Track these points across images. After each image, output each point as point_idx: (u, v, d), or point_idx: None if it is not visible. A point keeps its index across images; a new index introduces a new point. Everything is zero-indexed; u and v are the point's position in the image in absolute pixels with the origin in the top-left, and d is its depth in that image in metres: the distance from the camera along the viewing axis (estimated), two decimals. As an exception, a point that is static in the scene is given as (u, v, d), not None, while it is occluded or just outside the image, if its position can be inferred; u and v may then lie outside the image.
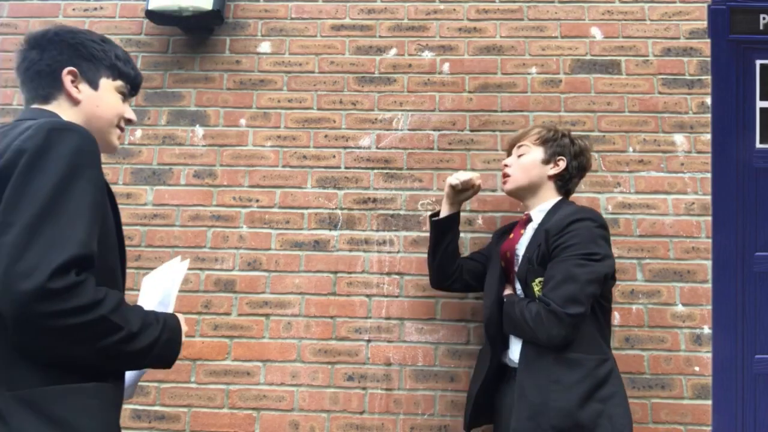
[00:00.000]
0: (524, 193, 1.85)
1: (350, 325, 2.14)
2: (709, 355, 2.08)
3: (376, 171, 2.29)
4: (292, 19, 2.44)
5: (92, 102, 1.22)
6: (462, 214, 2.22)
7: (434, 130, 2.31)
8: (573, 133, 1.90)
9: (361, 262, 2.20)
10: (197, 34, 2.42)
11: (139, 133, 2.35)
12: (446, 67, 2.37)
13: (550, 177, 1.81)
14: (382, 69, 2.38)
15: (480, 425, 1.87)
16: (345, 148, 2.31)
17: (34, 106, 1.21)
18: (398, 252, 2.20)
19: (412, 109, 2.33)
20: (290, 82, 2.38)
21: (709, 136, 2.25)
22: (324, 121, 2.33)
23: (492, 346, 1.79)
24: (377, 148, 2.31)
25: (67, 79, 1.20)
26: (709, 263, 2.14)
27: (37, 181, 0.94)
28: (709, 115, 2.26)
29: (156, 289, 1.33)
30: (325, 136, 2.31)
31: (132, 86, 1.31)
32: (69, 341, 0.95)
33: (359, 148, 2.30)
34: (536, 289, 1.66)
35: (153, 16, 2.30)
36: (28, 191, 0.93)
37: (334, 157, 2.30)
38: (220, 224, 2.24)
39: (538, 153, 1.82)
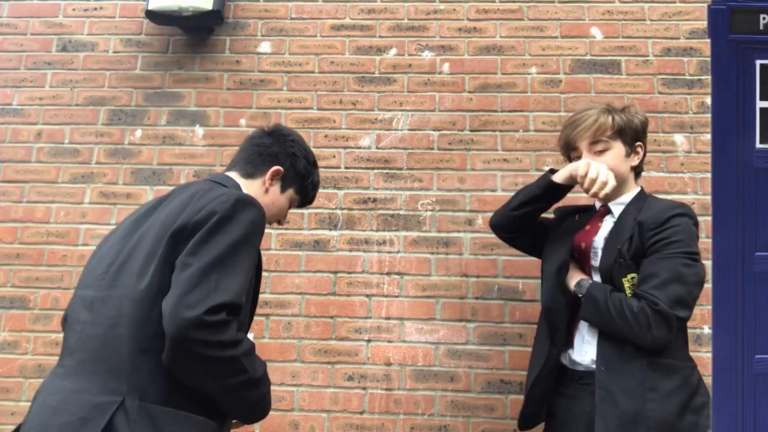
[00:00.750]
0: (613, 192, 1.63)
1: (350, 325, 2.14)
2: (709, 355, 2.08)
3: (376, 171, 2.29)
4: (292, 19, 2.44)
5: (273, 198, 1.49)
6: (462, 214, 2.23)
7: (434, 130, 2.31)
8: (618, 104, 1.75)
9: (361, 262, 2.20)
10: (197, 34, 2.42)
11: (139, 133, 2.35)
12: (446, 67, 2.37)
13: (632, 168, 1.68)
14: (382, 69, 2.38)
15: (535, 425, 1.69)
16: (345, 148, 2.31)
17: (233, 172, 1.48)
18: (398, 252, 2.20)
19: (412, 109, 2.33)
20: (290, 82, 2.38)
21: (709, 136, 2.25)
22: (324, 121, 2.33)
23: (551, 338, 1.61)
24: (377, 148, 2.31)
25: (270, 172, 1.47)
26: (709, 263, 2.14)
27: (219, 237, 1.17)
28: (709, 115, 2.26)
29: None
30: (325, 136, 2.31)
31: (302, 204, 1.60)
32: (206, 370, 1.12)
33: (359, 148, 2.30)
34: (627, 285, 1.52)
35: (153, 16, 2.30)
36: (210, 244, 1.16)
37: (334, 157, 2.30)
38: (220, 224, 2.24)
39: (619, 147, 1.64)
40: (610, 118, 1.64)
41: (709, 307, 2.11)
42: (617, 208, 1.66)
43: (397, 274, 2.18)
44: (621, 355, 1.47)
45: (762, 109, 2.26)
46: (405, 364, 2.11)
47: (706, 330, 2.09)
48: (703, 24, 2.34)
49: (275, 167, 1.47)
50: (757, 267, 2.16)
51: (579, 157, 1.68)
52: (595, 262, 1.61)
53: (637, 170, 1.70)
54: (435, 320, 2.15)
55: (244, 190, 1.41)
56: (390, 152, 2.30)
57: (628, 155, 1.66)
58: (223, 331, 1.10)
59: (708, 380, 2.05)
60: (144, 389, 1.12)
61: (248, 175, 1.47)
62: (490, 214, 2.21)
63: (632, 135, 1.66)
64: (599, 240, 1.62)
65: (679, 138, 2.26)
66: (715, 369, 2.07)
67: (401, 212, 2.25)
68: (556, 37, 2.38)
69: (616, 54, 2.35)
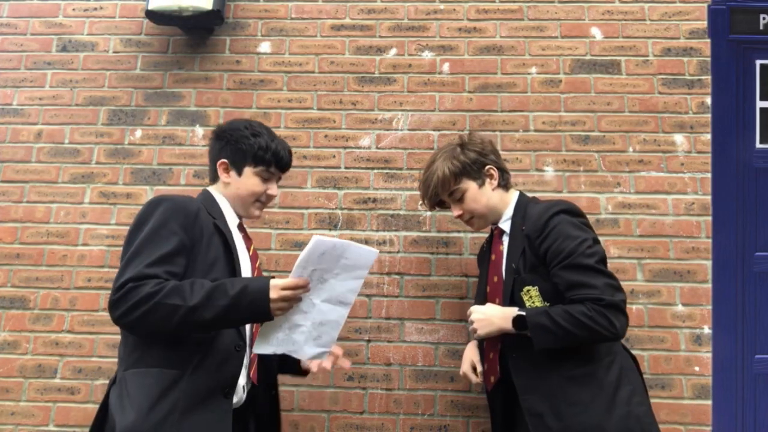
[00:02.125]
0: (492, 219, 1.79)
1: (350, 325, 2.14)
2: (709, 355, 2.08)
3: (376, 171, 2.29)
4: (292, 19, 2.45)
5: (235, 185, 1.64)
6: (462, 214, 2.24)
7: (434, 130, 2.31)
8: (475, 134, 1.88)
9: (361, 262, 2.20)
10: (197, 34, 2.42)
11: (139, 133, 2.35)
12: (446, 67, 2.37)
13: (495, 188, 1.77)
14: (382, 69, 2.38)
15: None
16: (345, 148, 2.31)
17: (209, 185, 1.71)
18: (398, 252, 2.20)
19: (412, 109, 2.33)
20: (290, 82, 2.38)
21: (709, 136, 2.25)
22: (324, 121, 2.33)
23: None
24: (377, 148, 2.31)
25: (219, 169, 1.66)
26: (709, 263, 2.14)
27: (136, 236, 1.45)
28: (709, 115, 2.27)
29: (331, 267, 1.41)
30: (325, 136, 2.31)
31: (276, 167, 1.67)
32: (149, 324, 1.35)
33: (359, 148, 2.30)
34: (525, 298, 1.59)
35: (153, 16, 2.30)
36: (130, 243, 1.45)
37: (334, 157, 2.30)
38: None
39: (470, 186, 1.75)
40: (446, 170, 1.74)
41: (709, 307, 2.11)
42: (506, 224, 1.75)
43: (397, 274, 2.18)
44: (538, 379, 1.55)
45: (762, 109, 2.26)
46: (405, 364, 2.11)
47: (706, 330, 2.09)
48: (703, 24, 2.34)
49: (219, 161, 1.65)
50: (757, 267, 2.16)
51: (448, 207, 1.84)
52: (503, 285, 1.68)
53: (501, 184, 1.79)
54: (435, 320, 2.15)
55: (215, 194, 1.65)
56: (390, 152, 2.30)
57: (482, 185, 1.76)
58: (129, 297, 1.34)
59: (708, 380, 2.06)
60: (125, 361, 1.43)
61: (212, 180, 1.70)
62: (490, 214, 2.22)
63: (474, 168, 1.75)
64: (504, 265, 1.70)
65: (679, 138, 2.26)
66: (715, 369, 2.07)
67: (401, 212, 2.25)
68: (556, 37, 2.38)
69: (616, 54, 2.35)
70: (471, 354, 1.81)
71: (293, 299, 1.38)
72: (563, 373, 1.52)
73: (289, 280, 1.37)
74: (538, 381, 1.55)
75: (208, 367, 1.43)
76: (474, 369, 1.77)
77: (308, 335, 1.44)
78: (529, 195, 1.84)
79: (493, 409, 1.75)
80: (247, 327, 1.54)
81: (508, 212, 1.75)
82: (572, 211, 1.63)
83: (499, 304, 1.66)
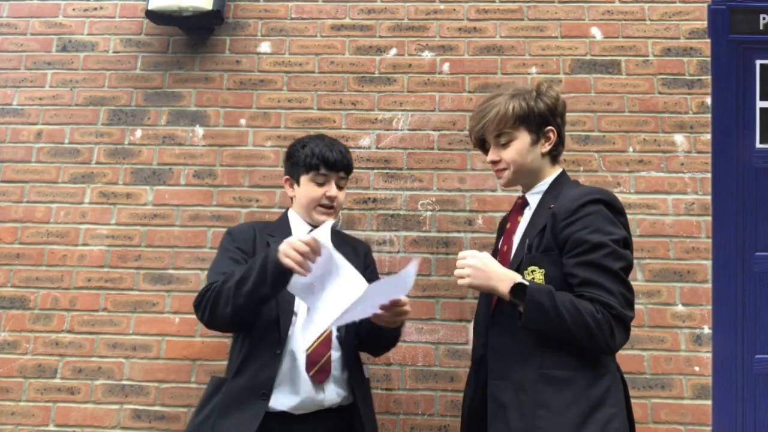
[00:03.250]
0: (523, 180, 1.62)
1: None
2: (709, 355, 2.08)
3: (376, 171, 2.29)
4: (292, 19, 2.44)
5: (298, 196, 1.77)
6: (462, 214, 2.23)
7: (434, 130, 2.31)
8: (542, 84, 1.66)
9: (361, 262, 2.20)
10: (197, 34, 2.42)
11: (139, 133, 2.35)
12: (446, 67, 2.37)
13: (544, 154, 1.59)
14: (382, 69, 2.38)
15: None
16: (345, 148, 2.31)
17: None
18: (398, 252, 2.20)
19: (412, 109, 2.33)
20: (290, 82, 2.38)
21: (709, 136, 2.25)
22: (324, 121, 2.33)
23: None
24: (377, 148, 2.31)
25: (286, 186, 1.82)
26: (709, 263, 2.14)
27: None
28: (709, 115, 2.26)
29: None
30: (325, 136, 2.31)
31: (326, 168, 1.73)
32: (221, 317, 1.55)
33: (359, 148, 2.30)
34: (528, 279, 1.43)
35: (153, 16, 2.30)
36: None
37: (334, 157, 2.30)
38: (220, 224, 2.24)
39: (524, 137, 1.57)
40: (510, 107, 1.55)
41: (709, 307, 2.11)
42: (534, 198, 1.59)
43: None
44: (511, 366, 1.41)
45: (762, 109, 2.26)
46: (405, 364, 2.11)
47: (706, 330, 2.09)
48: (703, 24, 2.34)
49: (284, 179, 1.82)
50: (757, 267, 2.16)
51: (488, 150, 1.64)
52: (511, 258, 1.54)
53: (552, 154, 1.61)
54: (435, 320, 2.15)
55: (290, 213, 1.83)
56: (390, 152, 2.30)
57: (534, 143, 1.57)
58: (201, 299, 1.58)
59: (708, 380, 2.05)
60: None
61: (290, 199, 1.84)
62: (490, 214, 2.22)
63: (538, 121, 1.57)
64: (518, 236, 1.56)
65: (679, 138, 2.26)
66: (715, 369, 2.07)
67: (401, 212, 2.25)
68: (556, 37, 2.38)
69: (616, 54, 2.35)
70: None
71: (302, 253, 1.41)
72: (544, 369, 1.37)
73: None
74: (514, 368, 1.41)
75: (249, 371, 1.57)
76: None
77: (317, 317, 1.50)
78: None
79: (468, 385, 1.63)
80: (287, 335, 1.61)
81: (542, 186, 1.59)
82: (612, 205, 1.46)
83: None
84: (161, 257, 2.22)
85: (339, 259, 1.44)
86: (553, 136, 1.59)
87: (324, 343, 1.62)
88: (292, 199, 1.82)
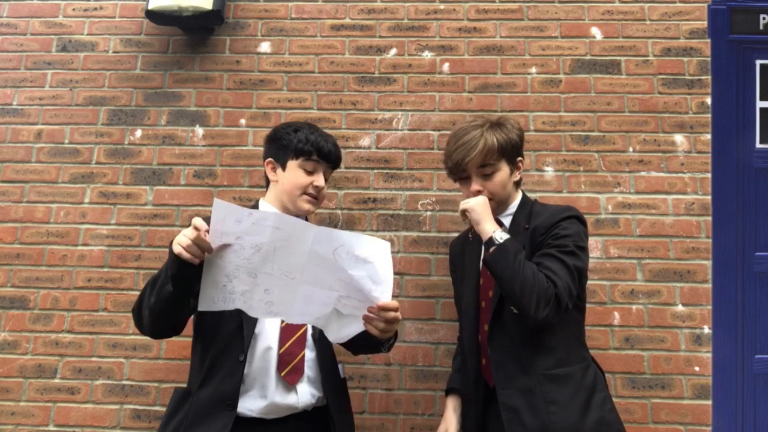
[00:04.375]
0: (498, 209, 1.72)
1: (350, 325, 2.14)
2: (709, 355, 2.08)
3: (376, 171, 2.29)
4: (292, 19, 2.45)
5: (281, 181, 1.68)
6: (462, 214, 2.23)
7: (434, 130, 2.31)
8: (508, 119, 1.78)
9: (361, 262, 2.20)
10: (197, 34, 2.42)
11: (139, 133, 2.35)
12: (446, 67, 2.37)
13: (515, 182, 1.76)
14: (382, 69, 2.38)
15: None
16: (345, 148, 2.30)
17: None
18: (398, 252, 2.20)
19: (412, 109, 2.33)
20: (290, 82, 2.38)
21: (709, 136, 2.25)
22: (324, 121, 2.33)
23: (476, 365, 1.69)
24: (377, 148, 2.31)
25: (267, 168, 1.72)
26: (709, 263, 2.14)
27: None
28: (709, 115, 2.27)
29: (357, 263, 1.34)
30: (325, 136, 2.31)
31: (318, 156, 1.67)
32: (144, 319, 1.48)
33: (359, 148, 2.30)
34: None
35: (153, 16, 2.30)
36: None
37: (334, 157, 2.30)
38: (220, 224, 2.24)
39: (504, 167, 1.69)
40: (494, 139, 1.66)
41: (709, 307, 2.11)
42: (506, 219, 1.73)
43: (398, 274, 2.18)
44: (514, 375, 1.55)
45: (762, 109, 2.26)
46: (405, 364, 2.11)
47: (706, 330, 2.09)
48: (703, 24, 2.34)
49: (266, 161, 1.72)
50: (757, 267, 2.16)
51: (465, 179, 1.72)
52: None
53: (519, 181, 1.77)
54: (435, 320, 2.15)
55: (261, 203, 1.72)
56: (390, 152, 2.30)
57: (511, 173, 1.72)
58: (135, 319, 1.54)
59: (708, 380, 2.06)
60: None
61: (267, 183, 1.74)
62: (490, 214, 2.22)
63: (512, 152, 1.70)
64: None
65: (679, 138, 2.26)
66: (715, 369, 2.07)
67: (401, 212, 2.25)
68: (556, 37, 2.38)
69: (616, 54, 2.35)
70: (449, 418, 1.76)
71: (196, 240, 1.30)
72: (543, 371, 1.53)
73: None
74: (518, 376, 1.55)
75: (214, 381, 1.49)
76: None
77: (258, 299, 1.37)
78: (530, 195, 1.84)
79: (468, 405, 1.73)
80: (252, 338, 1.52)
81: (511, 208, 1.73)
82: (584, 223, 1.66)
83: (492, 296, 1.64)
84: (161, 257, 2.21)
85: (283, 224, 1.31)
86: (521, 166, 1.75)
87: (298, 341, 1.55)
88: (268, 185, 1.73)
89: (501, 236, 1.54)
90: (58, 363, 2.13)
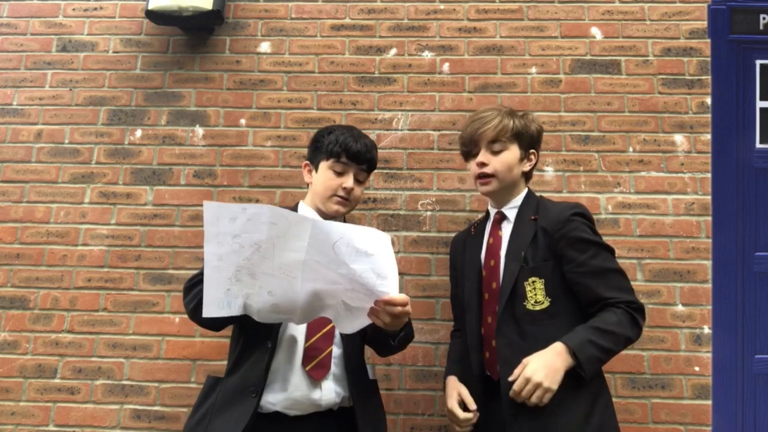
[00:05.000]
0: (501, 194, 1.73)
1: (350, 325, 2.14)
2: (709, 355, 2.08)
3: (376, 171, 2.28)
4: (292, 19, 2.45)
5: (314, 182, 1.71)
6: (462, 214, 2.23)
7: (434, 130, 2.31)
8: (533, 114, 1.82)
9: (361, 262, 2.19)
10: (197, 34, 2.42)
11: (139, 133, 2.35)
12: (446, 67, 2.37)
13: (524, 173, 1.75)
14: (382, 69, 2.38)
15: None
16: (345, 148, 2.30)
17: None
18: (398, 252, 2.20)
19: (412, 109, 2.33)
20: (290, 82, 2.38)
21: (709, 136, 2.25)
22: (324, 121, 2.33)
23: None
24: (377, 148, 2.30)
25: (304, 171, 1.76)
26: (709, 263, 2.14)
27: None
28: (709, 115, 2.27)
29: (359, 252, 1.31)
30: (325, 136, 2.31)
31: (347, 157, 1.66)
32: (188, 310, 1.57)
33: (359, 148, 2.30)
34: (528, 289, 1.58)
35: (153, 16, 2.30)
36: None
37: (334, 157, 2.30)
38: (220, 224, 2.24)
39: (515, 150, 1.70)
40: (511, 122, 1.70)
41: (709, 307, 2.11)
42: (511, 212, 1.72)
43: (398, 274, 2.18)
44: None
45: (762, 109, 2.26)
46: (405, 364, 2.11)
47: (706, 330, 2.09)
48: (703, 24, 2.34)
49: (303, 164, 1.76)
50: (757, 267, 2.16)
51: (476, 155, 1.71)
52: (502, 271, 1.64)
53: (527, 176, 1.78)
54: (435, 320, 2.15)
55: (300, 204, 1.75)
56: (390, 152, 2.30)
57: (521, 160, 1.72)
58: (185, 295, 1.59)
59: (708, 380, 2.06)
60: None
61: (309, 185, 1.76)
62: (490, 214, 2.22)
63: (528, 141, 1.72)
64: (503, 251, 1.67)
65: (679, 138, 2.26)
66: (715, 369, 2.07)
67: (401, 212, 2.25)
68: (556, 37, 2.38)
69: (616, 54, 2.35)
70: (456, 386, 1.67)
71: None
72: None
73: None
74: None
75: (242, 368, 1.51)
76: (461, 404, 1.63)
77: (262, 301, 1.35)
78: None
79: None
80: (281, 327, 1.53)
81: (517, 201, 1.73)
82: (589, 218, 1.67)
83: (495, 288, 1.64)
84: (161, 257, 2.22)
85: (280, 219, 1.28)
86: (534, 159, 1.76)
87: (326, 336, 1.53)
88: (308, 186, 1.76)
89: (579, 356, 1.47)
90: (58, 363, 2.13)
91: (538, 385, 1.44)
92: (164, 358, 2.13)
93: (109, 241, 2.24)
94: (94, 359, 2.14)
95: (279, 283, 1.33)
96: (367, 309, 1.35)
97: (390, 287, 1.31)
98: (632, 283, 2.09)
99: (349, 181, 1.65)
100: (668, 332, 2.09)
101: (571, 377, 1.48)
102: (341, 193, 1.64)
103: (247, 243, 1.31)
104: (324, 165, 1.67)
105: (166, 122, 2.36)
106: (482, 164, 1.69)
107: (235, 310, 1.36)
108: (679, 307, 2.11)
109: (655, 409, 2.04)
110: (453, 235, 2.19)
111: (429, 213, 2.23)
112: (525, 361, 1.49)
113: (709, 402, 2.04)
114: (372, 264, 1.30)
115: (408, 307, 1.36)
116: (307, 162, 1.74)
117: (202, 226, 2.24)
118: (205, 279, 1.34)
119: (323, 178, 1.67)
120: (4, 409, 2.10)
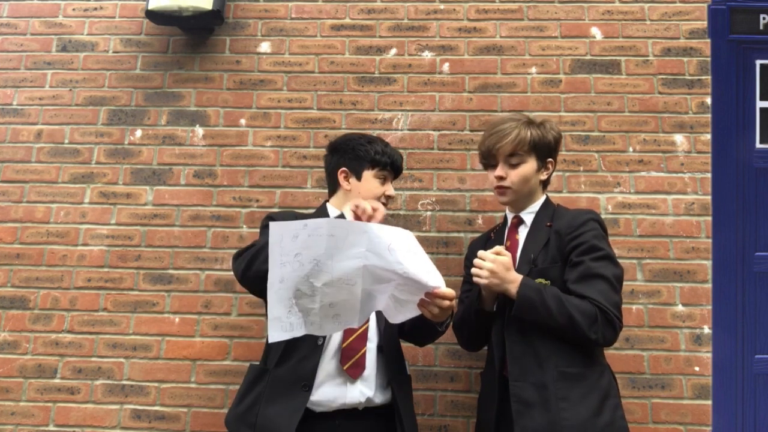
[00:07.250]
0: (518, 202, 1.78)
1: (350, 325, 2.14)
2: (709, 355, 2.08)
3: (376, 171, 2.28)
4: (292, 19, 2.45)
5: (356, 189, 1.77)
6: (462, 214, 2.23)
7: (434, 130, 2.31)
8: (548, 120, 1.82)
9: (361, 262, 2.20)
10: (197, 34, 2.42)
11: (139, 133, 2.35)
12: (446, 67, 2.37)
13: (541, 181, 1.80)
14: (382, 69, 2.38)
15: None
16: (345, 148, 2.31)
17: (328, 199, 1.87)
18: (398, 252, 2.20)
19: (412, 109, 2.33)
20: (290, 82, 2.38)
21: (709, 136, 2.25)
22: (324, 121, 2.33)
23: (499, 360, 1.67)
24: (377, 148, 2.30)
25: (340, 177, 1.80)
26: (709, 263, 2.14)
27: None
28: (709, 115, 2.27)
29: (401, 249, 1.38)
30: (325, 136, 2.31)
31: (392, 168, 1.81)
32: (248, 276, 1.58)
33: (359, 148, 2.30)
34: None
35: (153, 16, 2.30)
36: None
37: (334, 157, 2.30)
38: (220, 224, 2.24)
39: (532, 162, 1.74)
40: (528, 133, 1.73)
41: (709, 307, 2.11)
42: (528, 216, 1.77)
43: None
44: (530, 369, 1.56)
45: (762, 109, 2.26)
46: (405, 364, 2.11)
47: (706, 330, 2.09)
48: (703, 24, 2.34)
49: (340, 170, 1.79)
50: (757, 267, 2.16)
51: (495, 166, 1.76)
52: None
53: (545, 183, 1.82)
54: (435, 320, 2.14)
55: (329, 207, 1.81)
56: (390, 152, 2.30)
57: (539, 170, 1.76)
58: (242, 251, 1.61)
59: (708, 380, 2.06)
60: None
61: (331, 193, 1.86)
62: (490, 214, 2.22)
63: (545, 151, 1.76)
64: (518, 253, 1.72)
65: (679, 138, 2.26)
66: (715, 369, 2.07)
67: (401, 212, 2.25)
68: (556, 37, 2.38)
69: (616, 54, 2.35)
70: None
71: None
72: (558, 368, 1.54)
73: None
74: (533, 371, 1.56)
75: (291, 361, 1.57)
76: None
77: (324, 315, 1.40)
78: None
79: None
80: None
81: (534, 207, 1.77)
82: (603, 224, 1.70)
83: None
84: (161, 257, 2.22)
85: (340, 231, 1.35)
86: (551, 168, 1.80)
87: (360, 337, 1.62)
88: (344, 192, 1.78)
89: (519, 290, 1.55)
90: (58, 363, 2.13)
91: (481, 268, 1.59)
92: (164, 358, 2.13)
93: (109, 241, 2.24)
94: (94, 359, 2.14)
95: (339, 293, 1.38)
96: (416, 301, 1.45)
97: (440, 281, 1.42)
98: (632, 283, 2.12)
99: (391, 188, 1.81)
100: (668, 332, 2.09)
101: (578, 376, 1.52)
102: (383, 200, 1.77)
103: (307, 260, 1.36)
104: (369, 173, 1.77)
105: (166, 122, 2.36)
106: (500, 177, 1.75)
107: (297, 331, 1.41)
108: (679, 307, 2.11)
109: (655, 409, 2.04)
110: (453, 235, 2.20)
111: (429, 213, 2.23)
112: (497, 257, 1.58)
113: (709, 402, 2.04)
114: (421, 261, 1.41)
115: (455, 301, 1.49)
116: (345, 169, 1.79)
117: (202, 226, 2.26)
118: (269, 303, 1.38)
119: (370, 185, 1.76)
120: (4, 409, 2.10)
